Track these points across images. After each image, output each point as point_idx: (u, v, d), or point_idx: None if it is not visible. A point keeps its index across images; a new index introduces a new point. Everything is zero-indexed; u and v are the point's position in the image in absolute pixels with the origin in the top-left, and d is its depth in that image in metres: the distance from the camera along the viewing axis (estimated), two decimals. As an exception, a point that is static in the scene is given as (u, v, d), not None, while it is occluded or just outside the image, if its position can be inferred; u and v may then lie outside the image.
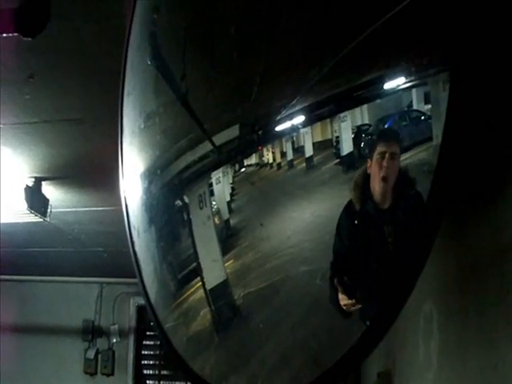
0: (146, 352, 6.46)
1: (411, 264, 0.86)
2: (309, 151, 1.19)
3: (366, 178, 0.93)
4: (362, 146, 1.12)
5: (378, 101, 1.08)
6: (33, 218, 3.80)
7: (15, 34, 1.56)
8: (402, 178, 0.89)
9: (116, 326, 6.35)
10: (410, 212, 0.87)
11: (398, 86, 1.02)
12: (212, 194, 1.37)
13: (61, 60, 2.34)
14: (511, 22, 1.05)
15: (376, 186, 0.90)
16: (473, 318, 1.19)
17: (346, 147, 1.10)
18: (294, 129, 1.20)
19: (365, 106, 1.09)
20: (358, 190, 0.91)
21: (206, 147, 1.33)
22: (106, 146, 2.16)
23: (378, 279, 0.91)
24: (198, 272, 1.37)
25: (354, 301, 0.90)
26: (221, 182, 1.34)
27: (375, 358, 2.22)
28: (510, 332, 1.02)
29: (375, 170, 0.89)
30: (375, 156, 0.90)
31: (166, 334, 1.42)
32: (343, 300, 0.90)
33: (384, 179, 0.88)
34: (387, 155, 0.88)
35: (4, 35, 1.61)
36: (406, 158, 1.05)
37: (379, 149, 0.90)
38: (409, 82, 1.02)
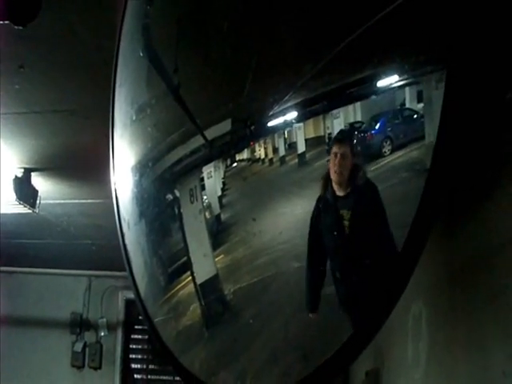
0: (134, 346, 6.44)
1: (403, 263, 0.86)
2: (301, 147, 1.18)
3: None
4: (354, 143, 1.13)
5: (371, 98, 1.08)
6: (21, 209, 3.77)
7: (6, 22, 1.53)
8: (354, 171, 1.06)
9: (104, 320, 6.32)
10: (364, 198, 1.05)
11: (392, 84, 1.02)
12: (203, 188, 1.36)
13: (52, 50, 2.31)
14: (506, 19, 1.05)
15: (332, 177, 1.07)
16: (462, 318, 1.19)
17: (339, 144, 1.09)
18: (287, 125, 1.19)
19: (358, 104, 1.09)
20: (324, 180, 1.07)
21: (197, 141, 1.32)
22: (97, 138, 2.14)
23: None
24: (188, 266, 1.36)
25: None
26: (212, 177, 1.33)
27: (363, 357, 2.22)
28: (499, 331, 1.03)
29: (331, 166, 1.07)
30: (331, 154, 1.08)
31: (156, 328, 1.41)
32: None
33: (335, 173, 1.06)
34: (338, 155, 1.05)
35: (-5, 23, 1.59)
36: (399, 157, 1.05)
37: (333, 149, 1.08)
38: (402, 80, 1.02)
